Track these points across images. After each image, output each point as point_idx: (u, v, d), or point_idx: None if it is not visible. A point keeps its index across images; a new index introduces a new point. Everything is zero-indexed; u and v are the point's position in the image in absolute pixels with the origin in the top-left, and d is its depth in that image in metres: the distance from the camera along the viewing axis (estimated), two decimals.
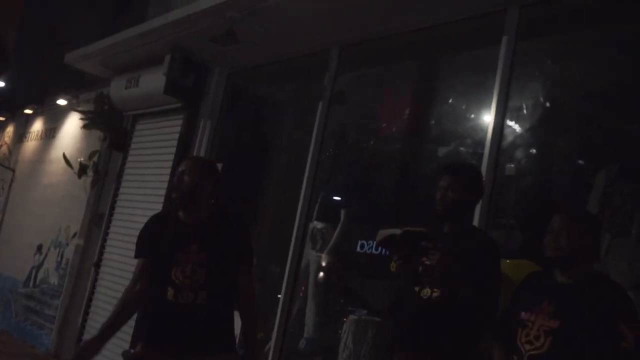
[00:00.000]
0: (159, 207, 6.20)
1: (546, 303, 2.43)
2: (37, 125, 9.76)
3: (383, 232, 3.03)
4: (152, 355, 2.99)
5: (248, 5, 4.86)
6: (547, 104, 4.15)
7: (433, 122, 4.69)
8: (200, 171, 3.07)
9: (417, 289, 2.93)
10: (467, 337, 2.85)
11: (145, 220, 6.13)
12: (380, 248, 4.56)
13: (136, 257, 3.16)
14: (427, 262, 2.83)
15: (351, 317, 4.67)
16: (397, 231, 2.94)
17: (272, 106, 6.55)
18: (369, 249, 4.76)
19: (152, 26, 5.96)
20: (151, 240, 3.09)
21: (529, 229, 4.04)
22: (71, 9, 9.69)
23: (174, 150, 6.31)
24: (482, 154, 3.94)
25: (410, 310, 2.97)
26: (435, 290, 2.87)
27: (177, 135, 6.36)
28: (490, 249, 2.95)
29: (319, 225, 5.31)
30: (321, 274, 5.19)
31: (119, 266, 6.57)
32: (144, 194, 6.54)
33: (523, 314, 2.48)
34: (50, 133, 9.22)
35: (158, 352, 2.96)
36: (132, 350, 3.14)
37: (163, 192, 6.23)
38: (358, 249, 4.82)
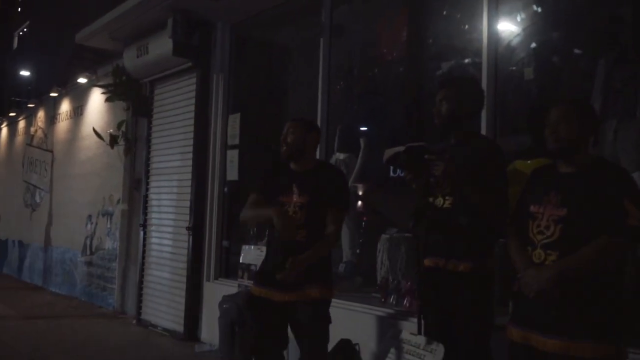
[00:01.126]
0: (187, 163, 6.50)
1: (553, 194, 2.51)
2: (65, 106, 10.10)
3: (388, 152, 3.17)
4: (259, 289, 3.48)
5: None
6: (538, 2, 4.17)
7: (431, 40, 4.76)
8: (302, 130, 3.52)
9: (431, 199, 3.13)
10: (482, 239, 3.03)
11: (177, 176, 6.48)
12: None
13: (251, 191, 3.68)
14: (436, 173, 2.99)
15: (383, 236, 4.90)
16: (401, 149, 3.10)
17: (279, 50, 6.67)
18: (401, 172, 4.90)
19: None
20: (266, 182, 3.63)
21: (534, 129, 4.13)
22: None
23: (193, 107, 6.54)
24: (480, 63, 4.03)
25: (429, 219, 3.18)
26: (447, 198, 3.06)
27: (193, 94, 6.57)
28: (493, 152, 3.06)
29: (341, 156, 5.51)
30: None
31: (163, 222, 6.97)
32: (172, 153, 6.85)
33: (532, 207, 2.57)
34: (78, 111, 9.55)
35: (259, 287, 3.48)
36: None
37: (190, 148, 6.51)
38: (391, 173, 4.99)
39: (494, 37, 3.97)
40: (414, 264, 4.56)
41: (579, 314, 2.43)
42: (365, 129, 5.53)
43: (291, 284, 3.35)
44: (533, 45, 4.24)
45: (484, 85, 3.84)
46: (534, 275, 2.49)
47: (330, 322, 3.46)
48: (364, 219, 5.53)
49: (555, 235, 2.48)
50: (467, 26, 4.42)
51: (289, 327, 3.51)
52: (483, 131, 3.87)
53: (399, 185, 4.96)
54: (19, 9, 16.03)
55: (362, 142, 5.41)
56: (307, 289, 3.37)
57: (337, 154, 5.51)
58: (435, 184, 3.09)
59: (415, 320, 3.60)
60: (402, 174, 3.39)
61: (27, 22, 15.03)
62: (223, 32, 6.43)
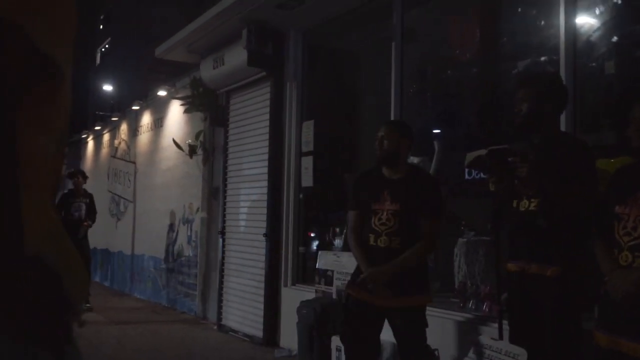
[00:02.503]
0: (263, 171, 6.63)
1: (638, 193, 2.43)
2: (146, 119, 10.50)
3: (470, 155, 3.15)
4: (356, 293, 3.54)
5: None
6: None
7: (505, 38, 4.66)
8: (397, 134, 3.55)
9: (515, 202, 3.07)
10: (570, 241, 2.94)
11: (253, 184, 6.60)
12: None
13: (350, 209, 3.73)
14: (520, 175, 2.93)
15: (460, 240, 4.83)
16: (483, 152, 3.06)
17: (350, 56, 6.71)
18: (477, 175, 4.85)
19: (225, 5, 6.27)
20: (359, 194, 3.67)
21: (617, 126, 3.97)
22: (158, 7, 10.23)
23: (267, 116, 6.67)
24: (557, 60, 3.91)
25: (512, 223, 3.12)
26: (532, 201, 3.00)
27: (268, 102, 6.70)
28: (579, 151, 2.97)
29: (415, 159, 5.46)
30: None
31: (240, 230, 7.12)
32: (249, 162, 7.00)
33: (617, 207, 2.49)
34: (158, 123, 9.91)
35: (361, 292, 3.51)
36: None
37: (265, 156, 6.64)
38: (466, 176, 4.93)
39: (571, 32, 3.85)
40: (493, 268, 4.51)
41: None
42: (439, 131, 5.48)
43: (394, 290, 3.40)
44: (614, 39, 4.09)
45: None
46: (621, 278, 2.41)
47: (427, 326, 3.51)
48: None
49: None
50: (543, 22, 4.30)
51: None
52: (563, 129, 3.76)
53: (474, 188, 4.91)
54: (101, 26, 16.83)
55: (436, 145, 5.36)
56: (405, 297, 3.43)
57: (412, 157, 5.46)
58: (520, 186, 3.02)
59: (496, 325, 3.55)
60: (485, 177, 3.35)
61: (109, 39, 15.77)
62: (295, 41, 6.53)
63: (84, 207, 8.64)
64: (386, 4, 5.33)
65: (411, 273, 3.43)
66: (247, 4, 5.97)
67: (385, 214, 3.42)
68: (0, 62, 0.85)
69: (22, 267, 0.85)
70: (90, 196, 8.85)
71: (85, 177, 9.01)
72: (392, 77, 5.24)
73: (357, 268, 3.67)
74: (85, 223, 8.54)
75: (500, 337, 3.19)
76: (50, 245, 0.92)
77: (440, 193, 3.73)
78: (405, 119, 5.24)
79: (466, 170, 4.89)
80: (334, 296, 5.19)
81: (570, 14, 3.87)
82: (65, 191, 8.93)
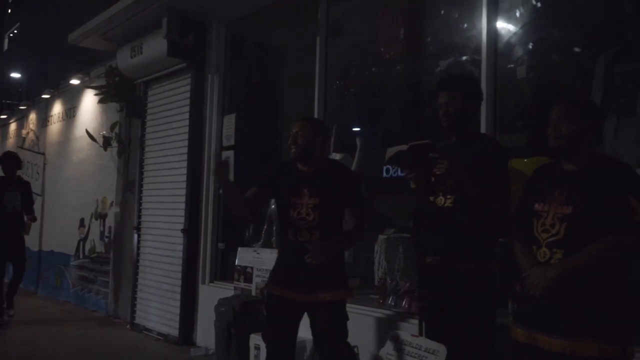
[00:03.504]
0: (183, 165, 6.43)
1: (557, 192, 2.49)
2: (57, 108, 10.00)
3: (390, 151, 3.15)
4: (277, 290, 3.48)
5: None
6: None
7: (429, 38, 4.71)
8: (312, 131, 3.48)
9: (432, 198, 3.10)
10: (484, 238, 3.02)
11: (171, 178, 6.41)
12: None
13: (254, 184, 3.63)
14: (438, 172, 2.97)
15: (380, 236, 4.85)
16: (404, 147, 3.07)
17: (274, 50, 6.62)
18: (394, 173, 4.89)
19: None
20: (273, 179, 3.59)
21: (538, 126, 4.09)
22: None
23: (187, 108, 6.48)
24: (479, 60, 3.99)
25: (429, 219, 3.14)
26: (448, 197, 3.04)
27: (188, 94, 6.51)
28: (496, 151, 3.06)
29: (337, 156, 5.45)
30: None
31: (157, 225, 6.89)
32: (167, 155, 6.77)
33: (536, 205, 2.54)
34: (71, 113, 9.46)
35: (280, 287, 3.46)
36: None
37: (184, 149, 6.45)
38: (384, 174, 4.95)
39: (493, 34, 3.94)
40: (414, 264, 4.55)
41: (585, 313, 2.39)
42: (361, 128, 5.49)
43: (309, 285, 3.36)
44: (531, 43, 4.21)
45: (483, 83, 3.82)
46: (540, 274, 2.46)
47: (347, 319, 3.49)
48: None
49: (561, 233, 2.45)
50: (466, 24, 4.38)
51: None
52: (483, 129, 3.85)
53: (394, 186, 4.95)
54: (9, 11, 15.97)
55: (358, 142, 5.37)
56: (326, 291, 3.38)
57: (333, 154, 5.45)
58: (437, 183, 3.06)
59: (416, 321, 3.57)
60: (403, 174, 3.37)
61: (18, 24, 14.97)
62: (218, 32, 6.37)
63: (19, 197, 7.28)
64: None
65: (330, 267, 3.39)
66: None
67: (304, 208, 3.38)
68: None
69: None
70: (26, 184, 7.58)
71: (18, 162, 7.60)
72: (316, 72, 5.19)
73: (277, 263, 3.62)
74: (29, 217, 7.47)
75: (421, 334, 3.20)
76: None
77: (360, 182, 3.79)
78: (328, 114, 5.24)
79: (384, 168, 4.94)
80: (254, 293, 5.10)
81: (492, 15, 3.95)
82: None
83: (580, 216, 2.41)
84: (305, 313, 3.50)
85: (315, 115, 5.18)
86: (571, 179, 2.52)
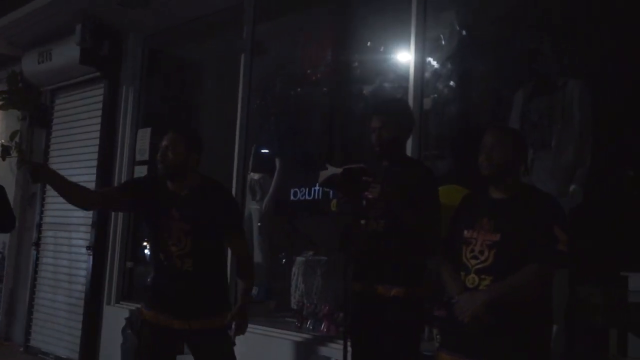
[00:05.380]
0: (91, 179, 6.12)
1: (486, 219, 2.53)
2: None
3: (324, 174, 3.11)
4: (152, 316, 3.12)
5: None
6: (463, 31, 4.28)
7: (356, 63, 4.76)
8: (185, 145, 3.07)
9: (363, 222, 3.08)
10: (414, 262, 3.02)
11: None
12: (312, 192, 4.71)
13: (118, 185, 3.20)
14: (370, 196, 2.94)
15: (298, 259, 4.80)
16: (337, 170, 3.04)
17: (195, 66, 6.48)
18: (302, 196, 4.86)
19: None
20: (138, 191, 3.16)
21: (455, 155, 4.21)
22: None
23: (99, 120, 6.21)
24: (406, 87, 4.06)
25: (359, 243, 3.12)
26: (380, 221, 3.02)
27: (100, 105, 6.24)
28: (428, 177, 3.09)
29: (255, 176, 5.38)
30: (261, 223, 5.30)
31: (59, 242, 6.50)
32: (74, 168, 6.43)
33: (465, 232, 2.57)
34: None
35: (156, 312, 3.11)
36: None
37: (94, 163, 6.15)
38: (292, 197, 4.91)
39: (420, 62, 4.01)
40: (333, 287, 4.53)
41: (510, 340, 2.42)
42: (281, 148, 5.43)
43: (189, 310, 3.07)
44: (456, 72, 4.34)
45: None
46: (469, 300, 2.48)
47: (234, 344, 3.19)
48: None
49: (490, 260, 2.49)
50: (393, 51, 4.45)
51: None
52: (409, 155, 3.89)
53: (300, 209, 4.94)
54: None
55: (277, 162, 5.32)
56: (206, 318, 3.10)
57: (252, 174, 5.38)
58: (368, 207, 3.05)
59: (336, 345, 3.53)
60: (334, 195, 3.34)
61: None
62: (135, 43, 6.15)
63: None
64: (237, 16, 5.20)
65: (209, 292, 3.15)
66: None
67: (175, 232, 3.05)
68: None
69: None
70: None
71: None
72: (239, 90, 5.10)
73: (150, 282, 3.34)
74: None
75: (345, 358, 3.15)
76: None
77: (238, 205, 3.58)
78: (249, 134, 5.15)
79: (291, 190, 4.92)
80: None
81: (420, 44, 4.03)
82: None
83: (508, 244, 2.46)
84: (185, 344, 3.20)
85: (237, 133, 5.08)
86: (499, 207, 2.56)
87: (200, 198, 3.11)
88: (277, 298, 5.03)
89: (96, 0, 5.54)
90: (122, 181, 5.85)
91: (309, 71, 5.10)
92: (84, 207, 3.21)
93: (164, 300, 3.12)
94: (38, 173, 2.95)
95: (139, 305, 5.09)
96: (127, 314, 5.21)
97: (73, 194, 3.07)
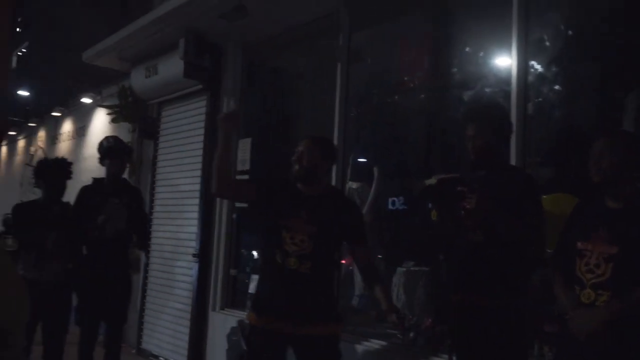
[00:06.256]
0: (196, 187, 6.34)
1: (601, 230, 2.40)
2: (67, 126, 9.95)
3: (421, 186, 3.11)
4: (260, 321, 3.16)
5: None
6: (569, 32, 4.08)
7: (455, 68, 4.65)
8: (320, 152, 3.23)
9: (461, 232, 3.01)
10: (516, 273, 2.91)
11: (183, 201, 6.28)
12: (411, 201, 4.65)
13: (249, 179, 3.33)
14: (467, 206, 2.88)
15: (399, 269, 4.75)
16: (433, 181, 3.01)
17: (292, 75, 6.57)
18: (401, 205, 4.80)
19: (162, 12, 5.99)
20: (269, 189, 3.30)
21: (561, 162, 4.02)
22: (80, 12, 9.82)
23: (202, 131, 6.41)
24: (508, 92, 3.92)
25: (458, 254, 3.05)
26: (478, 232, 2.94)
27: (203, 117, 6.44)
28: (528, 184, 2.98)
29: (354, 185, 5.38)
30: None
31: (167, 249, 6.76)
32: (180, 177, 6.69)
33: (579, 243, 2.45)
34: (81, 131, 9.40)
35: (264, 317, 3.14)
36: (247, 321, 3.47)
37: (198, 172, 6.35)
38: (390, 206, 4.86)
39: (523, 65, 3.85)
40: (432, 300, 4.45)
41: (631, 358, 2.29)
42: (380, 157, 5.40)
43: (298, 315, 3.08)
44: (562, 75, 4.14)
45: (513, 115, 3.73)
46: (586, 317, 2.36)
47: (341, 356, 3.21)
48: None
49: (607, 274, 2.35)
50: (494, 55, 4.31)
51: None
52: (512, 162, 3.75)
53: (400, 218, 4.86)
54: (18, 30, 16.03)
55: (375, 171, 5.28)
56: (316, 324, 3.11)
57: (350, 182, 5.37)
58: (466, 217, 2.97)
59: (438, 357, 3.46)
60: (431, 206, 3.30)
61: (26, 43, 15.00)
62: (235, 55, 6.32)
63: (124, 213, 4.80)
64: (333, 24, 5.23)
65: (322, 297, 3.17)
66: (186, 12, 5.72)
67: (299, 234, 3.10)
68: None
69: None
70: (135, 192, 5.18)
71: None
72: (336, 98, 5.11)
73: (259, 290, 3.35)
74: (137, 245, 5.10)
75: None
76: None
77: (361, 212, 3.56)
78: (347, 142, 5.15)
79: (390, 199, 4.86)
80: None
81: (522, 46, 3.87)
82: None
83: (626, 257, 2.32)
84: (292, 349, 3.18)
85: (335, 142, 5.09)
86: (616, 217, 2.42)
87: (330, 203, 3.22)
88: (378, 307, 4.99)
89: (198, 15, 5.70)
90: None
91: (406, 78, 5.03)
92: (220, 184, 3.16)
93: (275, 303, 3.13)
94: (230, 118, 3.25)
95: (243, 312, 5.28)
96: (231, 321, 5.34)
97: (228, 163, 3.34)
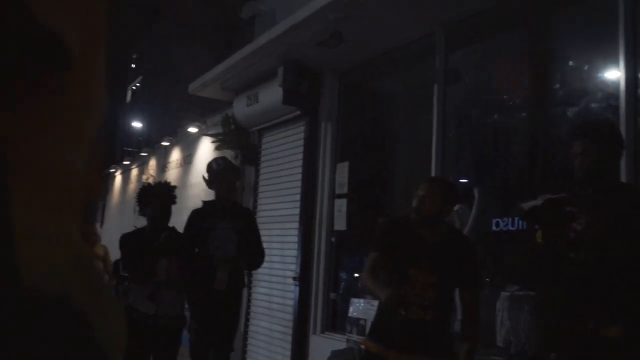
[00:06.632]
0: (295, 212, 6.44)
1: None
2: (175, 155, 10.45)
3: (524, 205, 2.99)
4: (375, 348, 3.16)
5: (347, 4, 4.93)
6: None
7: (557, 84, 4.47)
8: (442, 195, 3.18)
9: (572, 255, 2.87)
10: (632, 298, 2.75)
11: (283, 225, 6.37)
12: (519, 222, 4.47)
13: (372, 249, 3.30)
14: (578, 227, 2.75)
15: (503, 293, 4.58)
16: (539, 202, 2.90)
17: (388, 98, 6.57)
18: (504, 226, 4.65)
19: (261, 43, 6.21)
20: (388, 240, 3.25)
21: None
22: (186, 48, 10.33)
23: (301, 156, 6.53)
24: (616, 106, 3.72)
25: (568, 277, 2.91)
26: (590, 253, 2.80)
27: (302, 142, 6.58)
28: None
29: (454, 207, 5.26)
30: None
31: (268, 272, 6.85)
32: (280, 202, 6.83)
33: None
34: (188, 159, 9.84)
35: (380, 345, 3.14)
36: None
37: (298, 196, 6.46)
38: (493, 227, 4.71)
39: (632, 78, 3.66)
40: (539, 325, 4.25)
41: None
42: (479, 178, 5.27)
43: (414, 347, 3.07)
44: None
45: (622, 131, 3.53)
46: None
47: None
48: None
49: None
50: (599, 69, 4.11)
51: None
52: (622, 179, 3.55)
53: (503, 240, 4.69)
54: (133, 65, 17.04)
55: (476, 192, 5.15)
56: (431, 357, 3.09)
57: None
58: (577, 239, 2.82)
59: None
60: (535, 227, 3.17)
61: (140, 77, 15.93)
62: (331, 81, 6.43)
63: (234, 237, 4.56)
64: (428, 46, 5.20)
65: (436, 330, 3.12)
66: (285, 41, 5.89)
67: (420, 284, 3.06)
68: None
69: (33, 307, 0.63)
70: (245, 214, 5.02)
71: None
72: (433, 120, 5.06)
73: (376, 317, 3.37)
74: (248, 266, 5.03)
75: None
76: (76, 281, 0.71)
77: (478, 257, 3.45)
78: (445, 164, 5.07)
79: (493, 221, 4.70)
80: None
81: (630, 59, 3.68)
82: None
83: None
84: None
85: (433, 164, 5.04)
86: None
87: (449, 249, 3.15)
88: (481, 333, 4.82)
89: (296, 44, 5.86)
90: (323, 213, 6.08)
91: (505, 96, 4.90)
92: None
93: (393, 336, 3.12)
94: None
95: (343, 336, 5.27)
96: (331, 344, 5.35)
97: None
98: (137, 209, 4.67)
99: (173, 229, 4.54)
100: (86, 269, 0.76)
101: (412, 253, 3.14)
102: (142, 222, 5.90)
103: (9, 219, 0.63)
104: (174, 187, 4.73)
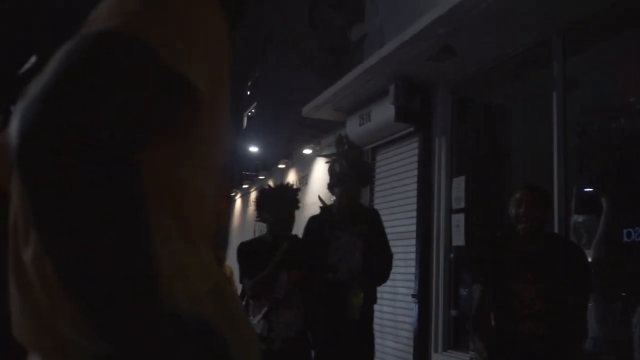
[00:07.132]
0: (411, 229, 6.40)
1: None
2: (291, 176, 10.72)
3: None
4: None
5: (456, 17, 4.89)
6: None
7: None
8: (543, 202, 3.15)
9: None
10: None
11: (401, 242, 6.35)
12: None
13: (475, 282, 3.22)
14: None
15: (638, 308, 4.29)
16: None
17: (503, 108, 6.41)
18: (637, 237, 4.37)
19: (371, 63, 6.27)
20: (489, 266, 3.17)
21: None
22: (296, 72, 10.65)
23: (415, 172, 6.50)
24: None
25: None
26: None
27: (415, 158, 6.54)
28: None
29: (580, 218, 5.02)
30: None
31: (385, 289, 6.82)
32: (396, 219, 6.81)
33: None
34: (303, 180, 10.06)
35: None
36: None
37: (413, 212, 6.42)
38: (625, 238, 4.44)
39: None
40: None
41: None
42: (607, 187, 5.00)
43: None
44: None
45: None
46: None
47: None
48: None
49: None
50: None
51: None
52: None
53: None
54: (248, 92, 17.70)
55: (603, 202, 4.88)
56: None
57: (575, 216, 5.03)
58: None
59: None
60: None
61: (255, 104, 16.53)
62: (443, 95, 6.37)
63: (359, 245, 4.11)
64: (544, 52, 5.04)
65: (550, 344, 2.97)
66: (395, 59, 5.92)
67: (527, 293, 2.96)
68: (124, 86, 0.69)
69: (175, 330, 0.69)
70: (372, 217, 4.56)
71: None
72: (554, 128, 4.88)
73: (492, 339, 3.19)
74: (369, 282, 4.21)
75: None
76: (215, 308, 0.77)
77: (588, 262, 3.25)
78: (568, 174, 4.86)
79: (624, 231, 4.42)
80: None
81: None
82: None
83: None
84: None
85: (555, 175, 4.84)
86: None
87: (555, 255, 3.05)
88: (616, 351, 4.54)
89: (407, 60, 5.87)
90: (441, 229, 6.00)
91: (631, 99, 4.63)
92: None
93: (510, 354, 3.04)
94: None
95: (465, 354, 5.15)
96: None
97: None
98: (256, 215, 4.18)
99: (295, 237, 4.05)
100: (225, 298, 0.82)
101: (515, 266, 3.04)
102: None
103: (152, 252, 0.70)
104: (297, 190, 4.17)
